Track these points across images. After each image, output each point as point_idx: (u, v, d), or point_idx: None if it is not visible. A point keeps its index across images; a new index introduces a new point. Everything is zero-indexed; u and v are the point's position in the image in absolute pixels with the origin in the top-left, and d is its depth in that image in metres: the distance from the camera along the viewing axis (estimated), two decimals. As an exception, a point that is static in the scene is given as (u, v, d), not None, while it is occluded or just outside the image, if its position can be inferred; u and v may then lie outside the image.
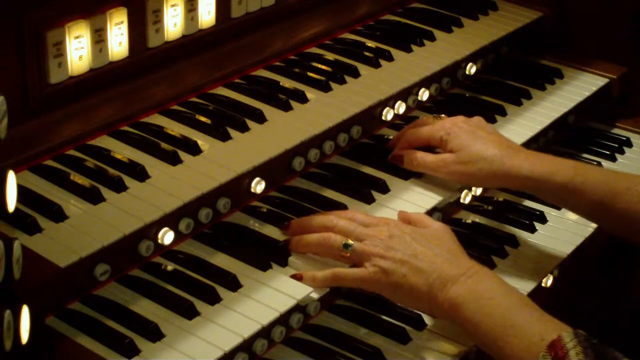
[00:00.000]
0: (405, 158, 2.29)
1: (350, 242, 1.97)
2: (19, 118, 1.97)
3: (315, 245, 2.00)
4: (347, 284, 1.97)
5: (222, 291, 1.89)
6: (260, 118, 2.24)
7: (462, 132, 2.25)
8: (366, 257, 1.94)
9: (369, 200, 2.20)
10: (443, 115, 2.37)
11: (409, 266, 1.91)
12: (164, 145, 2.10)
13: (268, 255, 1.99)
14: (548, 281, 2.27)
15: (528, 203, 2.48)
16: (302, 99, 2.34)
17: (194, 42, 2.35)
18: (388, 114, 2.46)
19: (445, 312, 1.88)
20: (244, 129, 2.20)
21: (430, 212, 2.24)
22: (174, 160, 2.06)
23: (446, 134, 2.26)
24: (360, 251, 1.95)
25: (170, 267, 1.95)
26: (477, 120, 2.33)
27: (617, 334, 2.89)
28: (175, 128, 2.18)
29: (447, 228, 2.03)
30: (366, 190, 2.22)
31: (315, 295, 1.94)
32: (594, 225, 2.38)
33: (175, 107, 2.26)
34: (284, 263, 1.99)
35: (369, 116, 2.41)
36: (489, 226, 2.38)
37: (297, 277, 1.95)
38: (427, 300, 1.90)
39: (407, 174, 2.30)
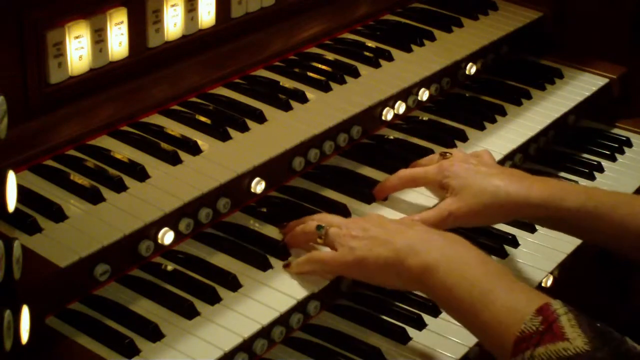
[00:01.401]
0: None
1: (324, 224, 1.96)
2: (19, 118, 1.97)
3: (299, 235, 2.00)
4: (320, 266, 1.95)
5: (222, 291, 1.89)
6: (260, 118, 2.24)
7: (460, 170, 2.11)
8: (338, 239, 1.92)
9: (369, 200, 2.21)
10: (450, 152, 2.22)
11: (375, 240, 1.86)
12: (164, 145, 2.10)
13: (268, 255, 1.99)
14: (548, 281, 2.27)
15: (528, 203, 2.48)
16: (302, 99, 2.34)
17: (194, 42, 2.35)
18: (388, 114, 2.46)
19: (415, 278, 1.80)
20: (244, 129, 2.20)
21: (430, 212, 2.24)
22: (174, 160, 2.06)
23: (444, 177, 2.12)
24: (333, 234, 1.94)
25: (170, 267, 1.95)
26: (478, 152, 2.23)
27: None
28: (175, 128, 2.18)
29: None
30: (366, 191, 2.22)
31: (316, 289, 1.94)
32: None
33: (175, 107, 2.26)
34: (283, 256, 2.00)
35: (369, 116, 2.41)
36: (489, 226, 2.38)
37: (286, 266, 1.97)
38: (395, 268, 1.82)
39: (407, 174, 2.30)
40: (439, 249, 1.80)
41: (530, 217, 2.17)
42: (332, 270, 1.96)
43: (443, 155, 2.21)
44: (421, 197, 2.24)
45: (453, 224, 2.09)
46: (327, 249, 1.97)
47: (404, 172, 2.22)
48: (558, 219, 2.09)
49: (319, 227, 1.96)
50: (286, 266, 1.97)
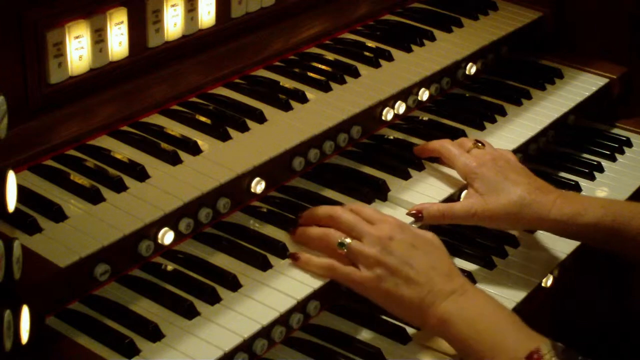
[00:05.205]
0: (427, 211, 2.15)
1: (347, 240, 1.95)
2: (19, 118, 1.97)
3: (316, 240, 2.00)
4: (340, 279, 1.96)
5: (222, 291, 1.89)
6: (260, 118, 2.24)
7: (490, 173, 2.18)
8: (362, 258, 1.93)
9: (369, 200, 2.20)
10: (483, 143, 2.29)
11: (402, 276, 1.89)
12: (164, 145, 2.10)
13: (268, 255, 1.99)
14: (548, 281, 2.27)
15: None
16: (302, 99, 2.34)
17: (194, 42, 2.35)
18: (388, 114, 2.46)
19: (433, 326, 1.88)
20: (244, 129, 2.20)
21: (430, 212, 2.24)
22: (174, 160, 2.06)
23: (473, 173, 2.20)
24: (356, 251, 1.93)
25: (170, 267, 1.95)
26: (505, 155, 2.26)
27: (617, 334, 2.89)
28: (175, 128, 2.18)
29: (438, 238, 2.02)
30: (366, 190, 2.22)
31: (316, 285, 1.94)
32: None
33: (175, 107, 2.26)
34: (283, 256, 1.99)
35: (369, 116, 2.41)
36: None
37: (294, 257, 1.97)
38: (418, 312, 1.88)
39: (407, 174, 2.30)
40: (456, 303, 1.87)
41: (549, 230, 2.21)
42: (349, 286, 1.96)
43: (476, 145, 2.27)
44: (423, 197, 2.24)
45: (475, 223, 2.17)
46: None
47: (446, 144, 2.30)
48: (577, 233, 2.16)
49: (341, 245, 1.95)
50: (295, 258, 1.97)
